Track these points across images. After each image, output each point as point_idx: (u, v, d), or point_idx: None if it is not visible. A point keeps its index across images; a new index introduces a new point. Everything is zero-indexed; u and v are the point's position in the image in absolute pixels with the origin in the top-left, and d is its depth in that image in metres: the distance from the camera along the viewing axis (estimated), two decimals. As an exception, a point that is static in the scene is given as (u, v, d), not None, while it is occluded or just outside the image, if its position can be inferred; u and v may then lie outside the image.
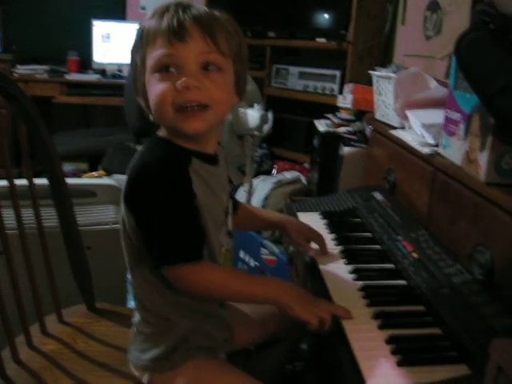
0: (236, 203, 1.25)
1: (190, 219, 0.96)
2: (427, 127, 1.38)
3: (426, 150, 1.33)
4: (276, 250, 2.12)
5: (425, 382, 0.81)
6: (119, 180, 1.93)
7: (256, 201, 2.77)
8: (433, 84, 1.56)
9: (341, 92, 2.77)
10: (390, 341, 0.90)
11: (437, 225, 1.26)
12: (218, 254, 1.06)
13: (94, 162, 3.57)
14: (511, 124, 0.99)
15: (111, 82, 3.99)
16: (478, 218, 1.08)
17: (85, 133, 3.97)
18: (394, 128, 1.61)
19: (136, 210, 0.97)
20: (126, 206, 0.98)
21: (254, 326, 1.22)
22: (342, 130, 2.33)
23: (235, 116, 2.40)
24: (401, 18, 2.73)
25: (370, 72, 1.85)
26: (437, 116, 1.36)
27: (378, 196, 1.51)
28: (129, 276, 1.09)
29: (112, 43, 4.15)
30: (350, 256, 1.24)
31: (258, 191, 2.83)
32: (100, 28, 4.15)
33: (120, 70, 4.09)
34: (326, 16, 3.32)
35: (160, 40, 0.94)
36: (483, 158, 1.07)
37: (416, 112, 1.48)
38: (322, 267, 1.20)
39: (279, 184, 2.86)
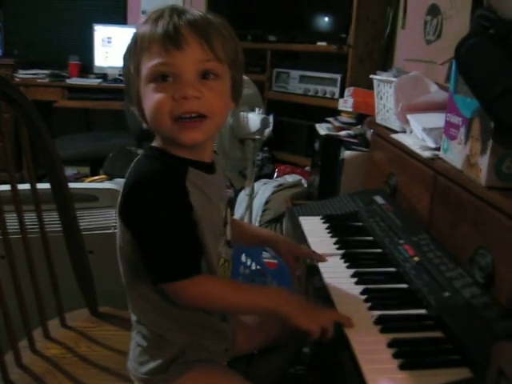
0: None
1: (187, 234, 0.94)
2: (428, 131, 1.39)
3: (426, 154, 1.33)
4: (277, 253, 2.11)
5: (427, 385, 0.82)
6: (121, 184, 1.93)
7: (257, 204, 2.77)
8: (433, 88, 1.57)
9: (341, 95, 2.78)
10: (391, 344, 0.91)
11: (438, 228, 1.27)
12: (217, 266, 1.03)
13: (95, 166, 3.57)
14: (511, 128, 1.00)
15: (112, 86, 3.99)
16: (479, 222, 1.08)
17: (86, 137, 3.97)
18: (395, 132, 1.62)
19: (132, 226, 0.95)
20: (121, 221, 0.97)
21: (255, 332, 1.21)
22: (342, 133, 2.34)
23: (236, 120, 2.40)
24: (401, 21, 2.74)
25: (371, 76, 1.85)
26: (437, 120, 1.36)
27: (379, 200, 1.51)
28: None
29: (113, 47, 4.16)
30: (351, 260, 1.24)
31: (259, 195, 2.84)
32: (101, 32, 4.17)
33: (121, 74, 4.08)
34: (327, 20, 3.33)
35: (155, 47, 0.91)
36: (484, 162, 1.07)
37: (417, 116, 1.48)
38: (323, 271, 1.20)
39: (280, 187, 2.87)
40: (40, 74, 4.06)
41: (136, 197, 0.93)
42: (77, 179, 3.72)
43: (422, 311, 1.02)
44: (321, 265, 1.23)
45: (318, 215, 1.54)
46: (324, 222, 1.48)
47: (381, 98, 1.77)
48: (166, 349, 1.01)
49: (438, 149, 1.32)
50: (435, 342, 0.93)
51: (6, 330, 1.10)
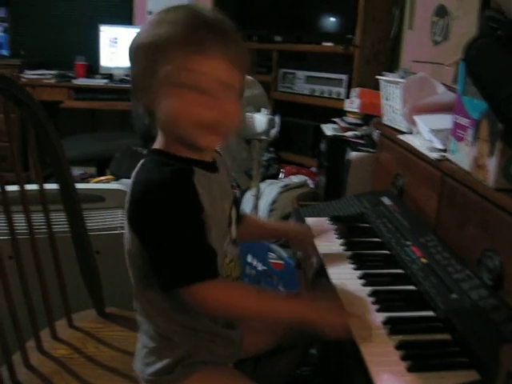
0: (241, 214, 1.22)
1: (202, 236, 0.93)
2: (435, 132, 1.38)
3: (434, 155, 1.33)
4: (284, 254, 2.12)
5: (435, 387, 0.82)
6: (127, 184, 1.94)
7: (263, 205, 2.77)
8: (440, 89, 1.56)
9: (348, 96, 2.78)
10: (399, 346, 0.90)
11: (445, 230, 1.26)
12: (222, 265, 1.03)
13: (101, 167, 3.58)
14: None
15: (119, 87, 4.00)
16: (487, 224, 1.08)
17: (92, 137, 3.98)
18: (402, 133, 1.61)
19: (144, 232, 0.94)
20: (131, 228, 0.96)
21: (262, 334, 1.21)
22: (349, 134, 2.34)
23: (242, 120, 2.40)
24: (408, 22, 2.74)
25: (378, 77, 1.85)
26: (445, 121, 1.36)
27: (386, 201, 1.51)
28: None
29: (119, 48, 4.17)
30: (358, 261, 1.24)
31: (265, 195, 2.83)
32: (107, 33, 4.18)
33: (127, 75, 4.10)
34: (333, 20, 3.32)
35: (183, 52, 0.90)
36: (492, 164, 1.07)
37: (424, 117, 1.48)
38: (330, 272, 1.20)
39: (286, 188, 2.86)
40: (46, 75, 4.07)
41: (149, 204, 0.91)
42: (83, 179, 3.73)
43: (430, 313, 1.02)
44: (328, 266, 1.22)
45: (325, 216, 1.54)
46: (331, 224, 1.47)
47: (387, 99, 1.76)
48: (172, 350, 1.02)
49: (445, 150, 1.32)
50: (443, 345, 0.93)
51: (13, 331, 1.10)
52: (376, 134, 2.01)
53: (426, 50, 1.69)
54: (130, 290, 1.06)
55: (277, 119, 2.84)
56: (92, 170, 3.87)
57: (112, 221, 1.78)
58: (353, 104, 2.46)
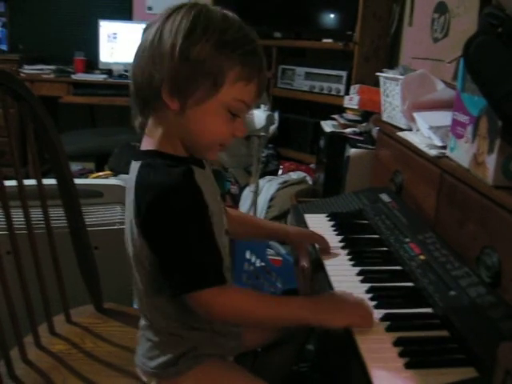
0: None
1: (212, 239, 0.93)
2: (435, 129, 1.38)
3: (433, 153, 1.33)
4: (282, 250, 2.12)
5: (432, 384, 0.82)
6: (126, 180, 1.93)
7: (262, 201, 2.77)
8: (440, 86, 1.56)
9: (347, 93, 2.77)
10: (397, 343, 0.90)
11: (444, 227, 1.26)
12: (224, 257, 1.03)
13: (100, 162, 3.58)
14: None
15: (118, 82, 3.99)
16: (486, 221, 1.08)
17: (91, 133, 3.98)
18: (401, 130, 1.61)
19: (156, 237, 0.92)
20: (142, 233, 0.93)
21: (260, 328, 1.22)
22: (348, 130, 2.34)
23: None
24: (408, 19, 2.73)
25: (378, 74, 1.85)
26: (444, 118, 1.36)
27: (384, 198, 1.51)
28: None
29: (118, 43, 4.16)
30: (357, 258, 1.24)
31: (264, 192, 2.84)
32: (107, 28, 4.16)
33: (126, 70, 4.07)
34: (332, 17, 3.32)
35: (253, 88, 0.95)
36: (491, 161, 1.07)
37: (423, 114, 1.48)
38: (328, 269, 1.20)
39: (285, 184, 2.87)
40: (45, 70, 4.06)
41: (163, 209, 0.90)
42: (82, 175, 3.73)
43: (428, 310, 1.02)
44: (326, 262, 1.23)
45: (324, 213, 1.54)
46: (329, 220, 1.48)
47: (387, 96, 1.76)
48: (177, 345, 1.02)
49: (444, 147, 1.32)
50: (441, 341, 0.93)
51: (11, 326, 1.10)
52: (375, 131, 2.01)
53: (425, 46, 1.69)
54: (127, 285, 1.06)
55: (276, 115, 2.84)
56: (90, 165, 3.86)
57: (110, 216, 1.78)
58: (352, 101, 2.46)
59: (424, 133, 1.44)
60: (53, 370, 1.12)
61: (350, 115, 2.50)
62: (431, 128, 1.40)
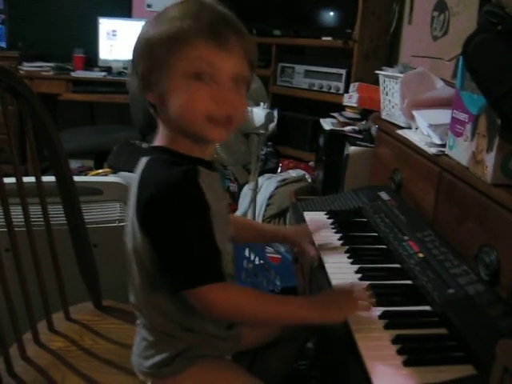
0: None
1: (211, 237, 0.93)
2: (434, 127, 1.38)
3: (432, 151, 1.33)
4: (281, 248, 2.12)
5: (431, 382, 0.82)
6: (125, 177, 1.94)
7: (261, 199, 2.77)
8: (439, 84, 1.56)
9: (346, 91, 2.77)
10: (395, 341, 0.91)
11: (443, 225, 1.26)
12: (226, 264, 1.03)
13: (99, 160, 3.58)
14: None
15: (117, 80, 3.99)
16: (484, 219, 1.08)
17: (90, 130, 3.98)
18: (401, 128, 1.61)
19: (154, 233, 0.93)
20: (141, 228, 0.94)
21: (259, 327, 1.21)
22: (347, 128, 2.34)
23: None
24: (407, 17, 2.73)
25: (377, 72, 1.85)
26: (443, 116, 1.36)
27: (383, 196, 1.51)
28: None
29: (118, 40, 4.16)
30: (355, 256, 1.24)
31: (263, 189, 2.84)
32: (106, 25, 4.16)
33: (126, 68, 4.08)
34: (332, 14, 3.31)
35: (201, 45, 0.91)
36: (490, 159, 1.07)
37: (423, 112, 1.48)
38: (327, 266, 1.20)
39: (284, 182, 2.87)
40: (45, 67, 4.06)
41: (161, 205, 0.91)
42: (81, 172, 3.73)
43: (427, 308, 1.02)
44: (325, 260, 1.23)
45: (323, 211, 1.54)
46: (328, 218, 1.48)
47: (386, 94, 1.76)
48: (172, 345, 1.02)
49: (443, 145, 1.32)
50: (439, 339, 0.93)
51: (10, 323, 1.10)
52: (374, 129, 2.01)
53: (425, 45, 1.68)
54: (127, 282, 1.06)
55: (275, 113, 2.83)
56: (90, 162, 3.86)
57: (109, 214, 1.78)
58: (351, 98, 2.46)
59: (423, 131, 1.44)
60: (52, 367, 1.12)
61: (349, 113, 2.50)
62: (430, 126, 1.40)
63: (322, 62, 3.29)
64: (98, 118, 4.49)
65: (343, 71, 3.11)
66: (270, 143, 3.32)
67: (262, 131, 2.47)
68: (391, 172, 1.59)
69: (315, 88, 3.27)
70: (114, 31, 4.16)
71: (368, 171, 1.90)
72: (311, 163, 3.09)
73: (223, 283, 0.93)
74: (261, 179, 2.85)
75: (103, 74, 4.10)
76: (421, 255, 1.17)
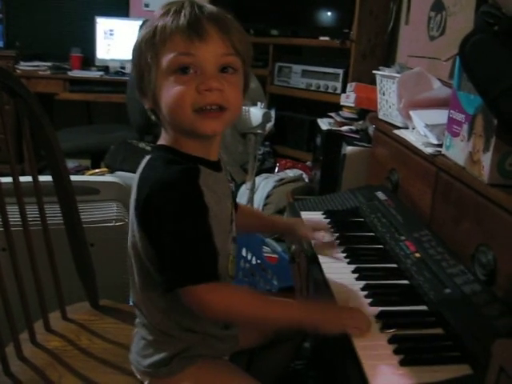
0: (237, 203, 1.23)
1: (207, 237, 0.93)
2: (431, 127, 1.38)
3: (429, 151, 1.33)
4: (278, 248, 2.12)
5: (427, 381, 0.82)
6: (122, 177, 1.94)
7: (258, 199, 2.78)
8: (436, 84, 1.56)
9: (344, 90, 2.77)
10: (392, 340, 0.91)
11: (439, 225, 1.27)
12: (227, 264, 1.04)
13: (96, 159, 3.58)
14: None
15: (114, 79, 3.98)
16: (481, 219, 1.08)
17: (87, 130, 3.97)
18: (398, 128, 1.62)
19: (150, 230, 0.93)
20: (139, 227, 0.95)
21: (255, 328, 1.22)
22: (344, 128, 2.34)
23: (242, 111, 2.40)
24: (404, 17, 2.73)
25: (374, 72, 1.85)
26: (440, 116, 1.36)
27: (380, 196, 1.51)
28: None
29: (115, 40, 4.15)
30: (352, 255, 1.24)
31: (260, 189, 2.84)
32: (103, 25, 4.15)
33: (123, 67, 4.08)
34: (329, 14, 3.32)
35: (178, 38, 0.91)
36: (486, 159, 1.07)
37: (419, 112, 1.48)
38: (324, 266, 1.20)
39: (281, 182, 2.87)
40: (42, 66, 4.05)
41: (155, 204, 0.91)
42: (78, 172, 3.72)
43: (423, 307, 1.02)
44: (322, 260, 1.23)
45: (320, 210, 1.54)
46: (325, 218, 1.48)
47: (383, 94, 1.76)
48: (171, 344, 1.02)
49: (440, 145, 1.32)
50: (436, 339, 0.93)
51: (7, 322, 1.10)
52: (371, 129, 2.01)
53: (422, 45, 1.69)
54: (123, 282, 1.06)
55: (272, 113, 2.83)
56: (87, 162, 3.86)
57: (106, 213, 1.78)
58: (349, 98, 2.46)
59: (420, 131, 1.44)
60: (48, 367, 1.12)
61: (346, 113, 2.50)
62: (427, 126, 1.40)
63: (319, 61, 3.29)
64: (95, 117, 4.48)
65: (340, 71, 3.11)
66: (267, 143, 3.32)
67: (259, 131, 2.47)
68: (388, 172, 1.59)
69: (312, 88, 3.27)
70: (111, 31, 4.16)
71: (365, 171, 1.90)
72: (308, 163, 3.09)
73: (218, 283, 0.93)
74: (258, 179, 2.85)
75: (100, 73, 4.09)
76: (417, 255, 1.17)
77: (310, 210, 1.55)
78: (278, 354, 1.27)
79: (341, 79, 3.10)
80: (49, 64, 4.08)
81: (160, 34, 0.93)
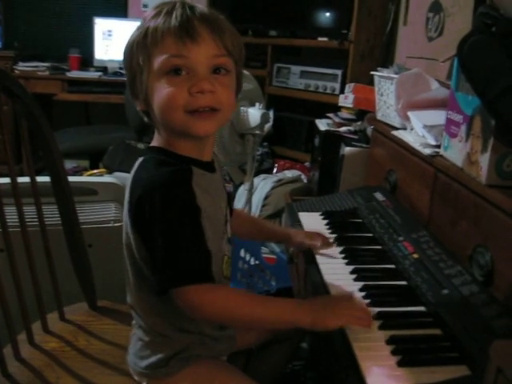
0: (234, 208, 1.22)
1: (199, 238, 0.92)
2: (429, 128, 1.39)
3: (427, 151, 1.33)
4: (276, 248, 2.12)
5: (425, 382, 0.82)
6: (120, 178, 1.93)
7: (256, 199, 2.77)
8: (434, 85, 1.56)
9: (342, 91, 2.77)
10: (390, 341, 0.91)
11: (437, 226, 1.27)
12: (222, 264, 1.04)
13: (95, 160, 3.57)
14: (512, 126, 1.00)
15: (112, 80, 3.98)
16: (479, 220, 1.09)
17: (86, 130, 3.97)
18: (396, 128, 1.62)
19: (142, 232, 0.93)
20: (132, 228, 0.95)
21: (250, 329, 1.21)
22: (343, 129, 2.34)
23: (236, 115, 2.40)
24: (403, 18, 2.74)
25: (372, 72, 1.85)
26: (438, 117, 1.36)
27: (378, 196, 1.51)
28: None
29: (113, 41, 4.14)
30: (350, 256, 1.24)
31: (259, 190, 2.83)
32: (102, 25, 4.15)
33: (121, 68, 4.07)
34: (328, 15, 3.32)
35: (170, 40, 0.91)
36: (484, 160, 1.07)
37: (417, 113, 1.48)
38: (322, 267, 1.20)
39: (280, 183, 2.86)
40: (40, 67, 4.05)
41: (147, 205, 0.91)
42: (76, 172, 3.72)
43: (421, 308, 1.02)
44: (320, 261, 1.23)
45: (318, 211, 1.54)
46: (323, 218, 1.48)
47: (382, 95, 1.76)
48: (168, 345, 1.01)
49: (438, 146, 1.32)
50: (434, 340, 0.93)
51: (4, 324, 1.10)
52: (370, 130, 2.01)
53: (420, 45, 1.69)
54: (121, 283, 1.05)
55: (271, 114, 2.82)
56: (85, 163, 3.86)
57: (104, 214, 1.78)
58: (347, 99, 2.46)
59: (418, 132, 1.44)
60: (46, 368, 1.12)
61: (344, 114, 2.50)
62: (425, 127, 1.40)
63: (317, 62, 3.30)
64: (94, 118, 4.48)
65: (339, 72, 3.11)
66: (265, 144, 3.32)
67: (257, 132, 2.47)
68: (386, 173, 1.59)
69: (311, 88, 3.27)
70: (109, 31, 4.15)
71: (363, 172, 1.90)
72: (307, 164, 3.09)
73: (212, 285, 0.92)
74: (256, 180, 2.85)
75: (98, 74, 4.09)
76: (415, 256, 1.17)
77: (308, 211, 1.55)
78: (276, 354, 1.27)
79: (339, 80, 3.11)
80: (47, 64, 4.07)
81: (152, 35, 0.92)
